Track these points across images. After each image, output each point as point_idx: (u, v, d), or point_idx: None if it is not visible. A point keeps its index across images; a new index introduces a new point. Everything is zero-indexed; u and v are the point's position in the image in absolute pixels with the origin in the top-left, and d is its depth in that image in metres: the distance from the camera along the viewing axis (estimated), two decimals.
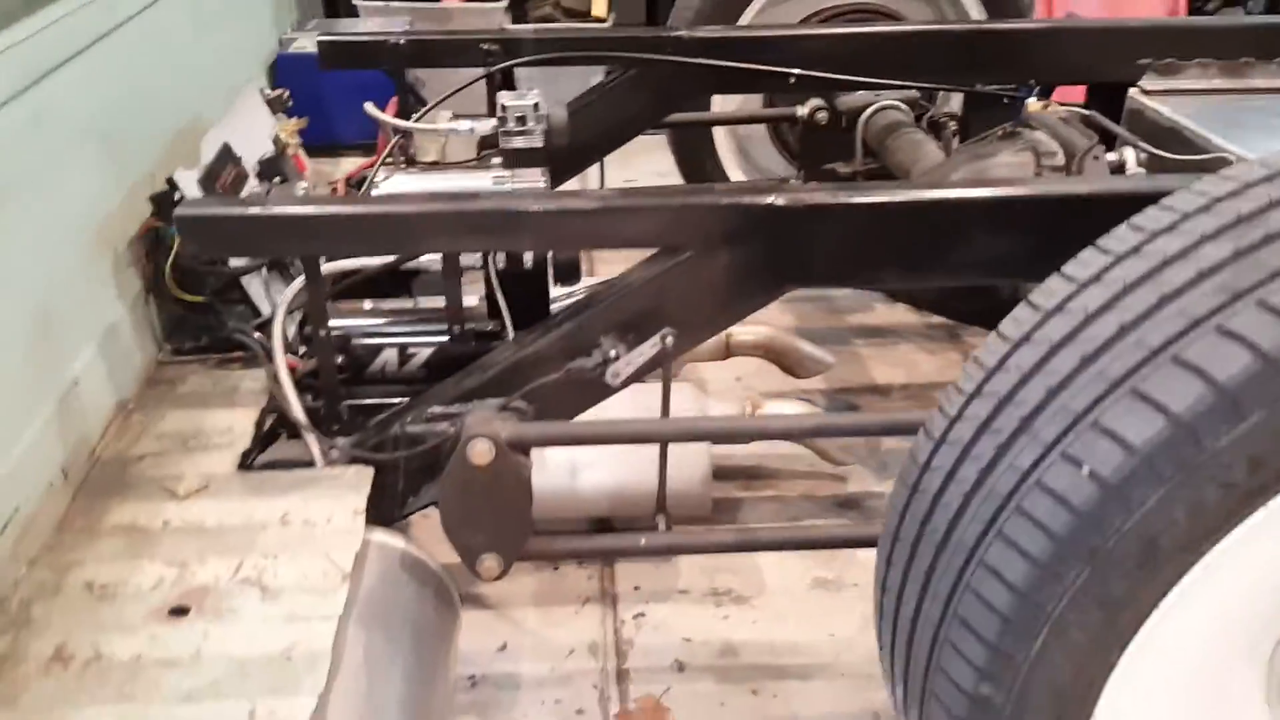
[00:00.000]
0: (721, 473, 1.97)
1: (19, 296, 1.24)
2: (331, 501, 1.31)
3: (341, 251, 1.46)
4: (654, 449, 1.49)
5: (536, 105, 1.84)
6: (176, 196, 1.53)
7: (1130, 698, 0.89)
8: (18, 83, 1.23)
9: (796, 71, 2.26)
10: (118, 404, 1.48)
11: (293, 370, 1.52)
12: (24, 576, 1.18)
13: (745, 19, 2.56)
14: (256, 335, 1.59)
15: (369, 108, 2.02)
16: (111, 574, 1.19)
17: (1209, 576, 0.83)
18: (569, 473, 1.70)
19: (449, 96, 2.16)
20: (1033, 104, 2.06)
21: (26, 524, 1.21)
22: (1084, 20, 2.66)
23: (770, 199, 1.36)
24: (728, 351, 2.13)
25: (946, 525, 0.93)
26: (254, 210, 1.30)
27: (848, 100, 2.49)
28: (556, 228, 1.34)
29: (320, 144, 2.46)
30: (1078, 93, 2.43)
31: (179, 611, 1.14)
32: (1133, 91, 1.87)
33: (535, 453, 1.42)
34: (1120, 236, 0.95)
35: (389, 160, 1.73)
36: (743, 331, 2.15)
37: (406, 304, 1.67)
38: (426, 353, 1.55)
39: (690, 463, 1.71)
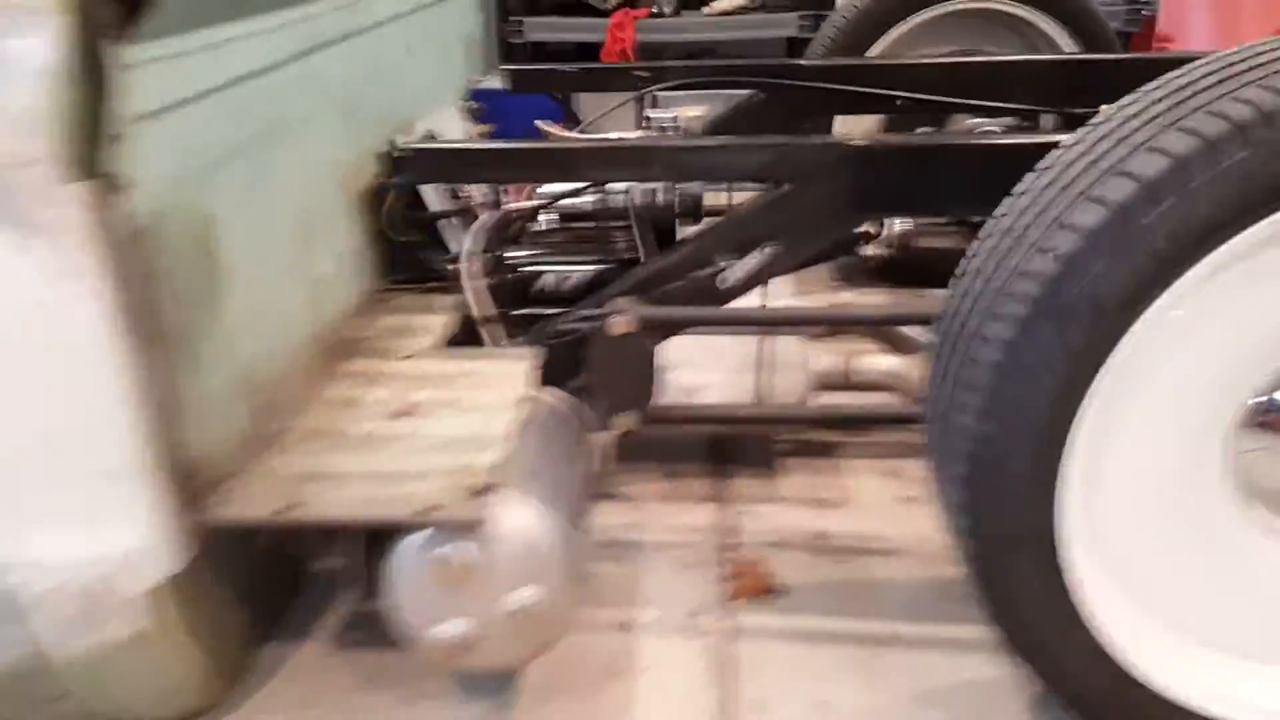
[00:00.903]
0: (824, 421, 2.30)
1: (295, 200, 1.70)
2: (506, 365, 1.71)
3: (517, 178, 1.90)
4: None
5: (675, 118, 2.27)
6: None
7: (1096, 438, 1.18)
8: (297, 47, 1.71)
9: (902, 94, 2.62)
10: (346, 308, 1.92)
11: None
12: (290, 396, 1.62)
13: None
14: (451, 266, 2.04)
15: (540, 124, 2.51)
16: (350, 394, 1.62)
17: (1150, 335, 1.13)
18: (687, 395, 2.06)
19: (607, 113, 2.64)
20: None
21: (294, 359, 1.64)
22: (1176, 52, 2.94)
23: (856, 142, 1.73)
24: (834, 329, 2.46)
25: (961, 325, 1.25)
26: (455, 145, 1.75)
27: (953, 126, 2.83)
28: (683, 161, 1.74)
29: None
30: None
31: (399, 415, 1.55)
32: None
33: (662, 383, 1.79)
34: (1105, 112, 1.27)
35: None
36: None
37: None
38: (578, 276, 1.96)
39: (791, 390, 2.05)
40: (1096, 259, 1.11)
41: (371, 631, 1.64)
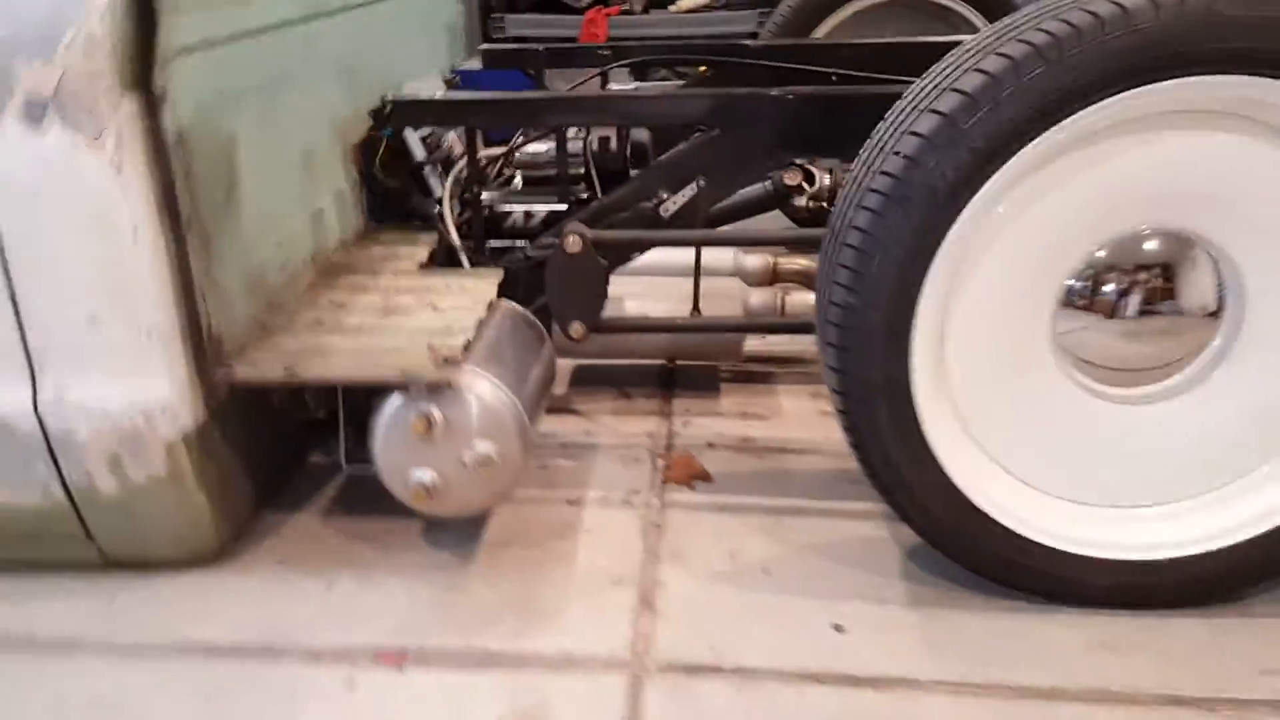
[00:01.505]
0: (759, 357, 2.62)
1: (298, 142, 2.00)
2: (478, 280, 2.02)
3: (493, 123, 2.21)
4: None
5: (636, 89, 2.59)
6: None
7: (939, 305, 1.49)
8: (302, 12, 2.02)
9: (838, 71, 2.94)
10: (340, 240, 2.23)
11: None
12: (293, 299, 1.91)
13: None
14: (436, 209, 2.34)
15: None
16: (344, 299, 1.91)
17: (976, 220, 1.44)
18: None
19: (574, 87, 2.94)
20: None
21: (296, 272, 1.94)
22: None
23: (774, 93, 2.04)
24: (774, 277, 2.77)
25: (840, 221, 1.56)
26: (439, 97, 2.06)
27: None
28: (630, 108, 2.06)
29: None
30: None
31: (385, 313, 1.85)
32: None
33: (615, 309, 2.09)
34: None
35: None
36: (787, 260, 2.79)
37: None
38: (542, 213, 2.27)
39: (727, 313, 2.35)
40: (931, 155, 1.42)
41: (354, 504, 1.95)
